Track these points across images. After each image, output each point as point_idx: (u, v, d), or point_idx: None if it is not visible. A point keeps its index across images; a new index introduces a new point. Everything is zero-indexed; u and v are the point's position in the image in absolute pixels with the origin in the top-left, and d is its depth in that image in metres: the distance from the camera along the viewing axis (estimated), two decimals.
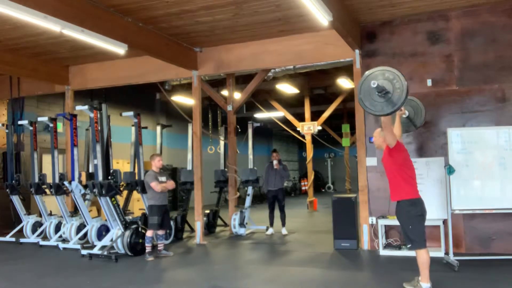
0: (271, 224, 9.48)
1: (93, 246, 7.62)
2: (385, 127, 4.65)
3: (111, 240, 7.41)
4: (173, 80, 11.06)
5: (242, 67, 8.70)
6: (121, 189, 7.98)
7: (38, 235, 9.01)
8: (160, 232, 7.30)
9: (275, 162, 9.52)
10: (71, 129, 8.83)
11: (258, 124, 10.78)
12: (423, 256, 4.65)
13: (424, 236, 4.73)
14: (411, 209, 4.73)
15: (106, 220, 7.79)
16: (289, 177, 9.78)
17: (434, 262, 6.21)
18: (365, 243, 7.37)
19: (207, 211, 9.78)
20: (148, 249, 7.10)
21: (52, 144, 9.00)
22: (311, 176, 14.98)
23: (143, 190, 8.45)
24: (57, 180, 8.69)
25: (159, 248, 7.30)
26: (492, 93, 6.90)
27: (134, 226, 7.41)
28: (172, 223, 8.64)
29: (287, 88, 13.15)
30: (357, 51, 7.58)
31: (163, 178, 7.34)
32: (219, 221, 10.32)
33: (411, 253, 5.64)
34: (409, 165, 4.88)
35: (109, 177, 7.51)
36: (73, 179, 8.45)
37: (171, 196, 15.62)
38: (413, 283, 4.85)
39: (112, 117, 8.79)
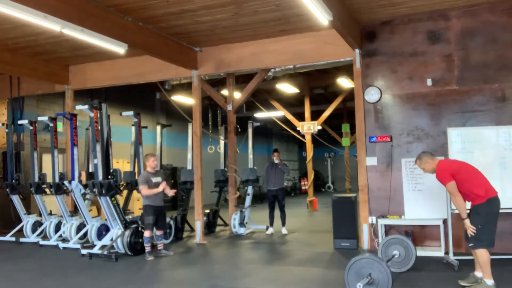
0: (271, 223, 9.48)
1: (93, 246, 7.62)
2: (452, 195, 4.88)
3: (111, 239, 7.41)
4: (173, 80, 11.06)
5: (242, 67, 8.70)
6: (121, 188, 7.99)
7: (38, 235, 9.01)
8: (158, 232, 7.29)
9: (276, 161, 9.46)
10: (71, 128, 8.82)
11: (258, 124, 10.78)
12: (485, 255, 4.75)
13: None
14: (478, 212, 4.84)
15: (106, 219, 7.79)
16: (289, 173, 9.74)
17: (434, 262, 6.23)
18: (365, 243, 7.37)
19: (207, 211, 9.77)
20: (147, 249, 7.10)
21: (52, 144, 9.00)
22: (311, 175, 14.98)
23: None
24: (57, 180, 8.69)
25: (158, 248, 7.30)
26: (492, 92, 6.90)
27: (134, 225, 7.41)
28: (172, 222, 8.64)
29: (287, 88, 13.15)
30: (357, 50, 7.58)
31: (158, 179, 7.23)
32: (219, 221, 10.32)
33: None
34: (463, 181, 4.88)
35: (109, 177, 7.51)
36: (73, 178, 8.45)
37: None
38: (470, 280, 4.96)
39: (112, 117, 8.79)
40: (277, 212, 9.43)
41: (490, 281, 4.75)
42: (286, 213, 9.50)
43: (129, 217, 8.15)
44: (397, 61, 7.44)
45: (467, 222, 4.79)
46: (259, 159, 10.81)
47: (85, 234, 8.30)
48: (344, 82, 12.68)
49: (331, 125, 19.59)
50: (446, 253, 6.44)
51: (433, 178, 6.84)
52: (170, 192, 7.42)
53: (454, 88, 7.10)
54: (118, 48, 7.02)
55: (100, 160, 7.46)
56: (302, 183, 23.82)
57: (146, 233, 7.11)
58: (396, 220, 7.10)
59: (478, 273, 4.96)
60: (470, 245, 4.83)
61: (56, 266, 6.80)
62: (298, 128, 14.98)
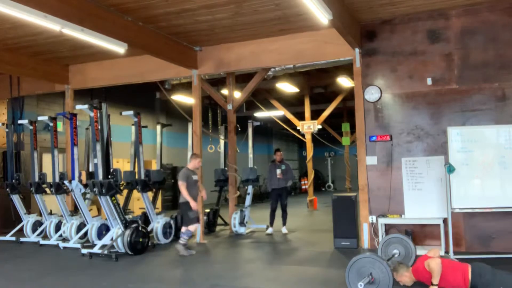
0: (271, 223, 9.44)
1: (93, 245, 7.62)
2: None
3: (111, 239, 7.41)
4: (173, 79, 11.06)
5: (242, 66, 8.70)
6: (121, 188, 7.98)
7: (38, 234, 9.02)
8: (192, 228, 7.38)
9: (278, 171, 9.38)
10: (71, 128, 8.83)
11: (258, 123, 10.78)
12: None
13: None
14: None
15: (106, 219, 7.79)
16: (293, 179, 9.74)
17: None
18: (365, 242, 7.38)
19: (207, 210, 9.77)
20: (184, 241, 7.22)
21: (52, 143, 9.00)
22: (311, 175, 15.00)
23: (143, 189, 8.47)
24: (57, 179, 8.70)
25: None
26: (492, 91, 6.90)
27: (134, 225, 7.41)
28: (172, 222, 8.65)
29: (287, 87, 13.15)
30: (357, 50, 7.57)
31: (196, 177, 7.51)
32: (219, 220, 10.31)
33: None
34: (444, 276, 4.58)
35: (109, 176, 7.50)
36: (73, 178, 8.45)
37: (171, 195, 15.63)
38: None
39: (112, 116, 8.78)
40: (278, 211, 9.41)
41: None
42: (287, 212, 9.49)
43: (129, 217, 8.16)
44: (397, 60, 7.44)
45: None
46: (259, 159, 10.82)
47: (85, 234, 8.31)
48: (344, 82, 12.68)
49: (331, 124, 19.60)
50: (447, 252, 6.45)
51: (433, 177, 6.90)
52: (205, 196, 7.95)
53: (454, 87, 7.10)
54: (118, 48, 7.02)
55: (100, 160, 7.46)
56: (302, 182, 23.82)
57: (192, 227, 7.27)
58: (396, 219, 7.10)
59: None
60: None
61: (57, 266, 6.81)
62: (298, 128, 14.98)
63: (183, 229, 7.36)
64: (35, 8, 5.45)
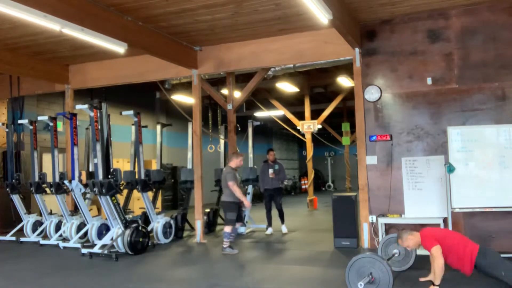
0: (269, 223, 9.43)
1: (93, 245, 7.62)
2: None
3: (112, 239, 7.41)
4: (173, 79, 11.06)
5: (242, 66, 8.70)
6: (121, 188, 7.99)
7: (38, 234, 9.02)
8: (238, 225, 7.44)
9: (270, 171, 9.35)
10: (71, 128, 8.82)
11: (258, 123, 10.78)
12: None
13: None
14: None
15: (106, 219, 7.79)
16: (285, 178, 9.72)
17: None
18: (365, 242, 7.38)
19: (207, 210, 9.77)
20: (227, 244, 7.23)
21: (52, 143, 9.00)
22: (311, 174, 14.99)
23: (143, 189, 8.47)
24: (57, 179, 8.70)
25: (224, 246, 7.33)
26: (492, 91, 6.90)
27: (134, 225, 7.41)
28: (172, 222, 8.65)
29: (287, 87, 13.15)
30: (357, 49, 7.57)
31: (237, 176, 7.52)
32: (219, 220, 10.32)
33: None
34: (450, 247, 4.79)
35: (109, 176, 7.50)
36: (73, 178, 8.45)
37: (171, 195, 15.63)
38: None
39: (112, 116, 8.79)
40: (274, 212, 9.40)
41: None
42: (286, 212, 9.47)
43: (129, 217, 8.16)
44: (397, 60, 7.44)
45: None
46: (259, 158, 10.79)
47: (86, 234, 8.31)
48: (344, 81, 12.68)
49: (331, 124, 19.60)
50: None
51: (433, 177, 6.90)
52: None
53: (454, 87, 7.10)
54: (118, 48, 7.02)
55: (100, 160, 7.46)
56: (302, 182, 23.82)
57: (228, 229, 7.23)
58: (396, 219, 7.10)
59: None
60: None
61: (57, 266, 6.81)
62: (298, 127, 14.98)
63: (227, 228, 7.31)
64: (35, 8, 5.44)
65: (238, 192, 7.19)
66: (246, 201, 7.28)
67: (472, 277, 5.34)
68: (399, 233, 5.17)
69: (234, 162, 7.52)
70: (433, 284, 4.70)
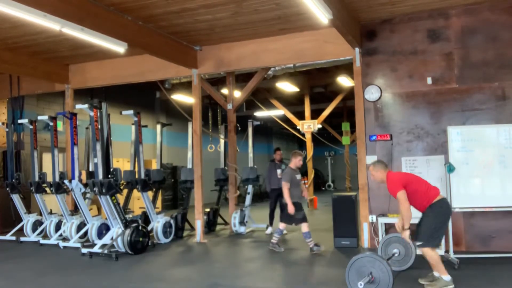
0: (271, 223, 9.44)
1: (93, 245, 7.62)
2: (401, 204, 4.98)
3: (112, 238, 7.41)
4: (173, 79, 11.06)
5: (242, 66, 8.70)
6: (121, 187, 7.99)
7: (38, 234, 9.02)
8: (306, 229, 7.12)
9: (279, 171, 9.26)
10: (71, 127, 8.83)
11: (258, 123, 10.77)
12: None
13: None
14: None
15: (106, 218, 7.79)
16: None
17: None
18: (365, 241, 7.38)
19: (207, 210, 9.78)
20: (312, 244, 7.06)
21: (52, 143, 9.00)
22: (311, 174, 14.99)
23: (143, 189, 8.47)
24: (57, 179, 8.70)
25: (310, 246, 7.13)
26: (492, 91, 6.90)
27: (134, 224, 7.41)
28: (172, 221, 8.65)
29: (287, 87, 13.15)
30: (357, 49, 7.57)
31: (299, 177, 7.36)
32: (219, 220, 10.32)
33: None
34: (414, 192, 5.06)
35: (109, 176, 7.51)
36: (73, 177, 8.45)
37: (171, 195, 15.64)
38: (429, 279, 5.01)
39: (112, 116, 8.79)
40: (277, 211, 9.40)
41: (447, 277, 4.82)
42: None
43: (129, 216, 8.16)
44: (397, 59, 7.44)
45: (406, 233, 4.95)
46: (259, 158, 10.81)
47: (86, 233, 8.31)
48: (344, 81, 12.68)
49: (331, 123, 19.61)
50: (447, 251, 6.45)
51: (433, 177, 6.89)
52: (306, 195, 7.77)
53: (454, 86, 7.10)
54: (118, 47, 7.02)
55: (100, 159, 7.46)
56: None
57: (305, 228, 7.06)
58: (396, 219, 7.07)
59: (436, 273, 4.97)
60: (418, 244, 4.88)
61: (57, 265, 6.81)
62: (298, 127, 14.98)
63: (281, 225, 7.26)
64: (35, 8, 5.44)
65: (285, 194, 7.03)
66: (291, 205, 6.97)
67: (471, 275, 5.35)
68: (375, 161, 5.37)
69: (293, 162, 7.33)
70: (404, 228, 4.95)
